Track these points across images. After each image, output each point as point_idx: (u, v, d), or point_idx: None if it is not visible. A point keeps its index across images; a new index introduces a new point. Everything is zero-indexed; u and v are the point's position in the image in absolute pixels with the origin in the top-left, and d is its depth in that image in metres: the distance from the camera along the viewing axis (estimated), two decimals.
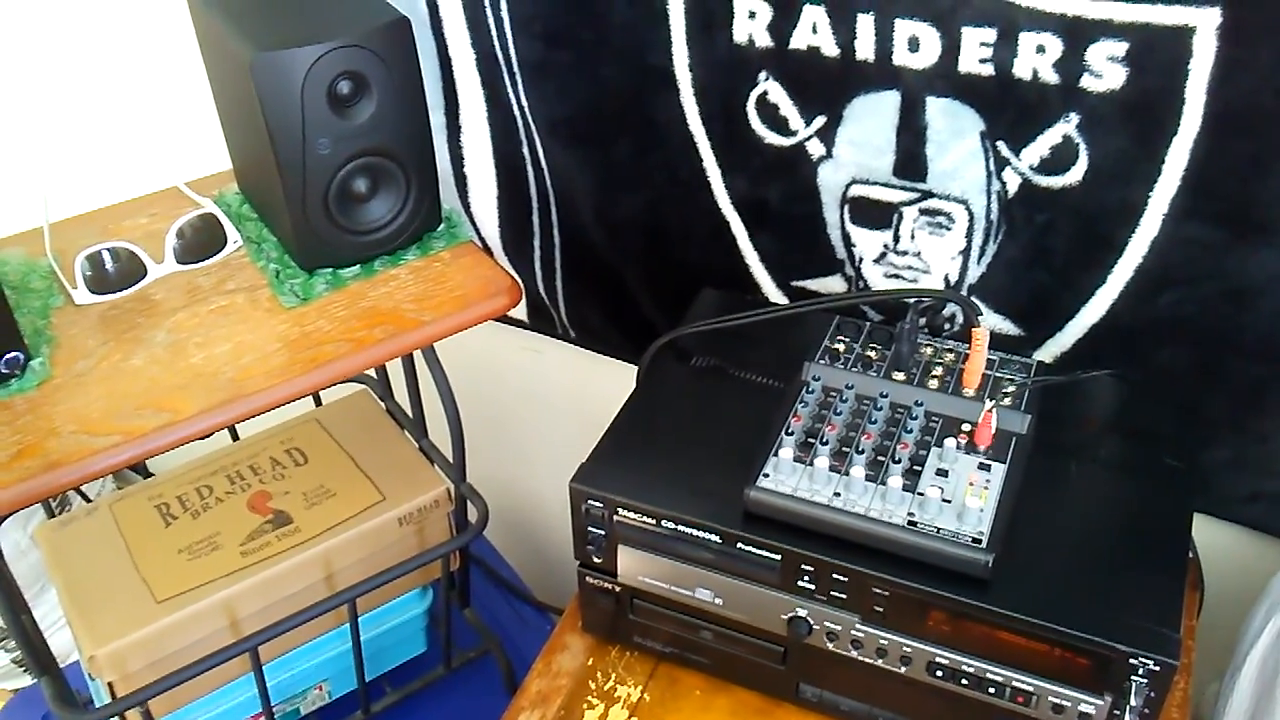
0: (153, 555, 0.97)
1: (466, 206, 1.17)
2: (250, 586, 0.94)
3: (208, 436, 0.80)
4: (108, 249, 0.87)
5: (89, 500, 1.12)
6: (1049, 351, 0.94)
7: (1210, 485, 0.92)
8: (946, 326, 0.97)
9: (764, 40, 0.90)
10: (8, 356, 0.78)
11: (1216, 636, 0.93)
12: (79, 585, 0.95)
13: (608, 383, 1.17)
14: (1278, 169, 0.76)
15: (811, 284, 1.02)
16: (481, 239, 1.19)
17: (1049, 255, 0.89)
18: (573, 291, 1.18)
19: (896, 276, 0.97)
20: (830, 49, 0.87)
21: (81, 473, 0.74)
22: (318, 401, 1.15)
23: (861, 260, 0.97)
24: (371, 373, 1.15)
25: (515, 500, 1.45)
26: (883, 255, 0.96)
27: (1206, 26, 0.73)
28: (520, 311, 1.26)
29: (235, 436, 1.13)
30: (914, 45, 0.84)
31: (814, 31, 0.87)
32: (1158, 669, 0.67)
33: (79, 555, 0.97)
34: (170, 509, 1.02)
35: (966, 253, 0.92)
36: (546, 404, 1.37)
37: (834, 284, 1.01)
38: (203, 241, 0.91)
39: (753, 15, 0.89)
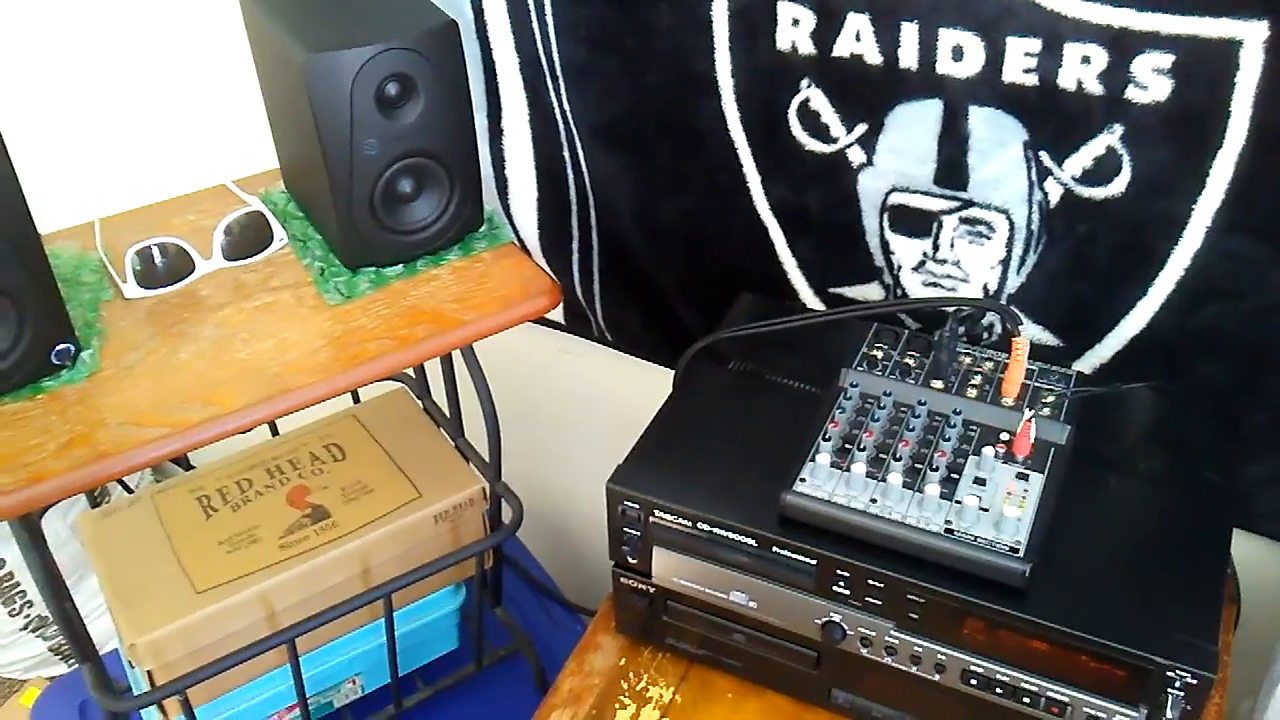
0: (193, 546, 0.98)
1: (506, 208, 1.18)
2: (288, 579, 0.96)
3: (250, 430, 0.81)
4: (157, 244, 0.89)
5: (130, 491, 1.13)
6: (1088, 363, 0.93)
7: (1249, 501, 0.91)
8: (985, 335, 0.97)
9: (807, 47, 0.90)
10: (59, 348, 0.80)
11: (1252, 652, 0.93)
12: (120, 574, 0.96)
13: (643, 386, 1.18)
14: None
15: (849, 291, 1.03)
16: (520, 241, 1.20)
17: (1090, 266, 0.89)
18: (610, 294, 1.19)
19: (935, 285, 0.97)
20: (873, 57, 0.87)
21: (129, 463, 0.75)
22: (355, 399, 1.17)
23: (900, 268, 0.97)
24: (410, 371, 1.16)
25: (548, 501, 1.46)
26: (921, 263, 0.96)
27: (1254, 40, 0.73)
28: (557, 314, 1.27)
29: (275, 431, 1.14)
30: (958, 54, 0.84)
31: (857, 39, 0.87)
32: (1195, 682, 0.67)
33: (121, 545, 0.99)
34: (210, 501, 1.03)
35: (1006, 262, 0.92)
36: (581, 406, 1.37)
37: (872, 291, 1.01)
38: (249, 239, 0.93)
39: (796, 22, 0.89)
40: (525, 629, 1.18)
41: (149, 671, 0.91)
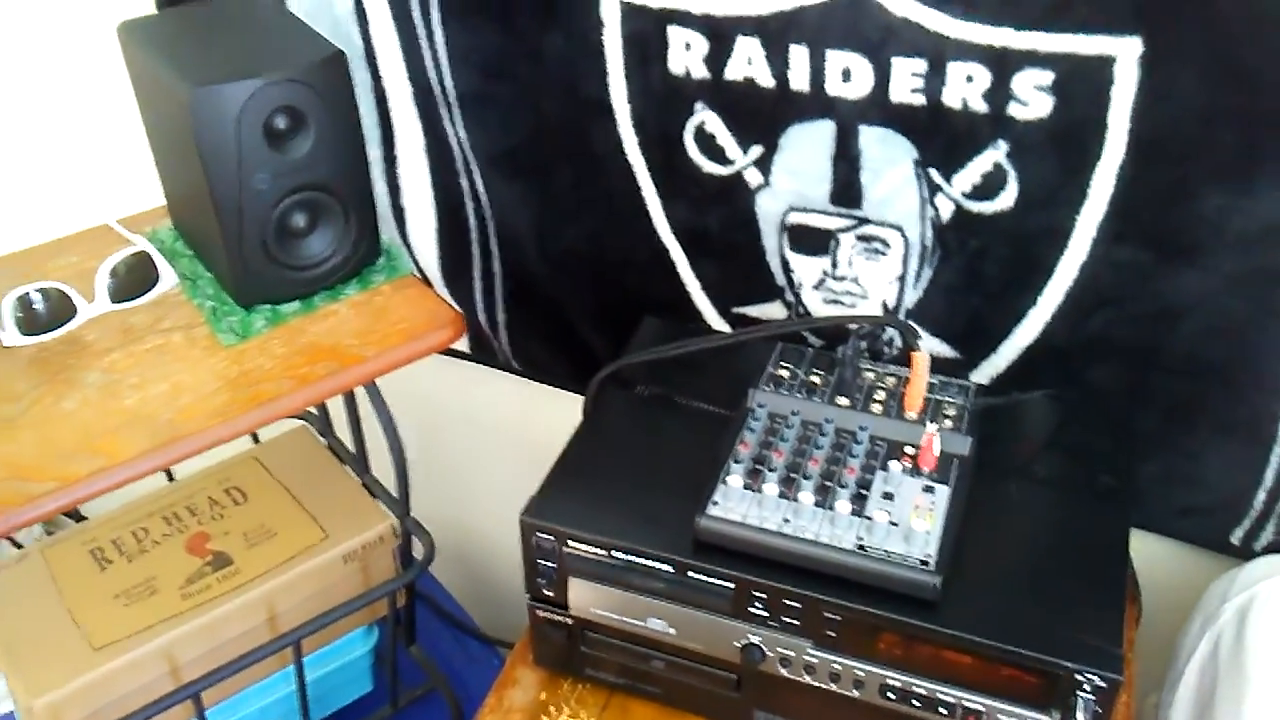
0: (88, 601, 0.94)
1: (404, 238, 1.16)
2: (191, 631, 0.92)
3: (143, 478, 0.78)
4: (37, 289, 0.85)
5: (18, 546, 1.08)
6: (984, 373, 0.96)
7: (1143, 500, 0.94)
8: (885, 350, 0.98)
9: (700, 72, 0.91)
10: None
11: (1153, 648, 0.96)
12: (12, 634, 0.92)
13: (551, 413, 1.17)
14: (1200, 193, 0.79)
15: (752, 310, 1.03)
16: (420, 270, 1.18)
17: (982, 279, 0.91)
18: (514, 322, 1.18)
19: (835, 302, 0.98)
20: (765, 80, 0.88)
21: (14, 521, 0.71)
22: (255, 439, 1.13)
23: (801, 286, 0.98)
24: (311, 408, 1.13)
25: (459, 533, 1.44)
26: (821, 281, 0.97)
27: (1128, 56, 0.76)
28: (461, 343, 1.25)
29: (170, 477, 1.11)
30: (847, 76, 0.85)
31: (749, 63, 0.88)
32: (1104, 685, 0.69)
33: (11, 603, 0.94)
34: (105, 553, 0.99)
35: (903, 278, 0.94)
36: (489, 435, 1.36)
37: (774, 310, 1.02)
38: (136, 279, 0.89)
39: (689, 47, 0.90)
40: (441, 666, 1.16)
41: None
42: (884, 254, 0.93)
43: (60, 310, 0.86)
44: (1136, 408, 0.90)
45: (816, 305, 0.99)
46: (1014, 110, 0.81)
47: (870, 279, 0.95)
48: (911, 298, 0.95)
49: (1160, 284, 0.84)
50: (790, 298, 1.00)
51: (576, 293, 1.11)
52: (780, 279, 0.99)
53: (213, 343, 0.85)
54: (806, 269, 0.97)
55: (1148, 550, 0.97)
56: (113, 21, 0.88)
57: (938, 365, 0.94)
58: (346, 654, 1.06)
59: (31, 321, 0.85)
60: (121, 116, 0.95)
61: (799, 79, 0.87)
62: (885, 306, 0.96)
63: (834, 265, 0.96)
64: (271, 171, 0.81)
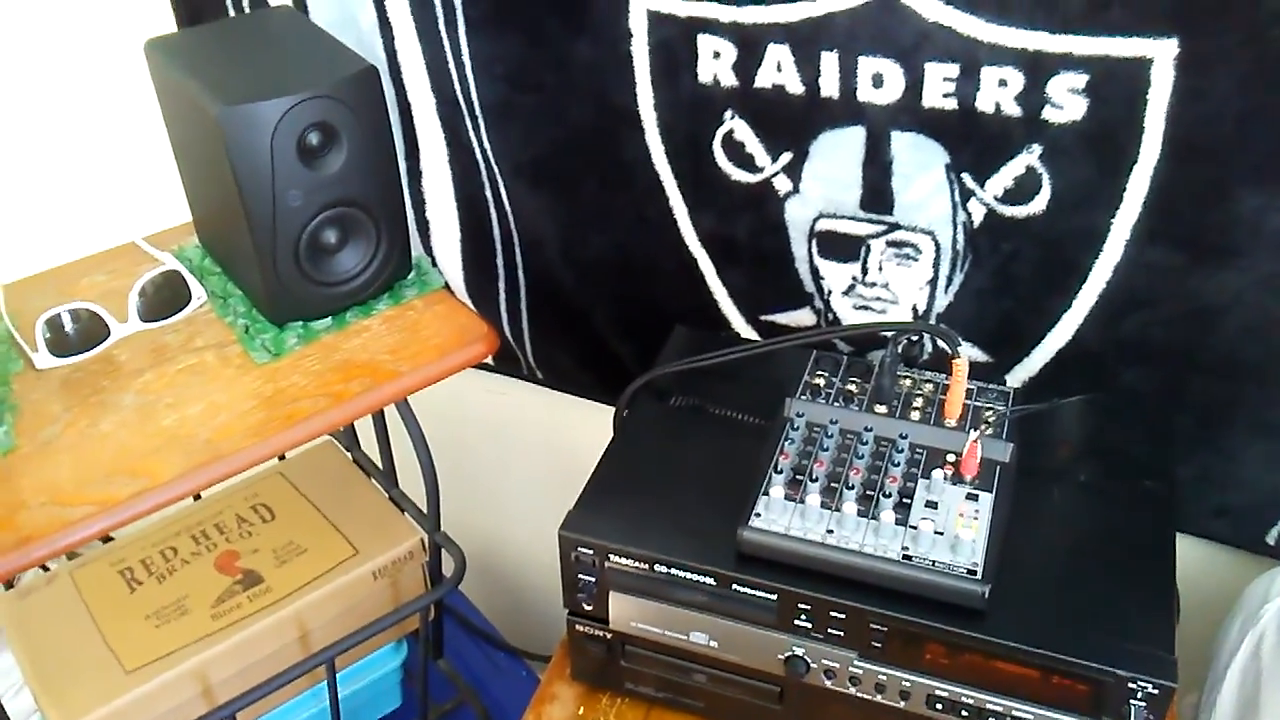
0: (119, 623, 0.94)
1: (429, 250, 1.16)
2: (223, 651, 0.92)
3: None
4: (68, 310, 0.85)
5: (46, 569, 1.07)
6: (1017, 377, 0.95)
7: (1180, 501, 0.94)
8: (917, 356, 0.98)
9: (729, 80, 0.90)
10: None
11: (1191, 648, 0.95)
12: (43, 658, 0.91)
13: (575, 423, 1.17)
14: (1236, 194, 0.79)
15: (781, 318, 1.03)
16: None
17: (1015, 283, 0.90)
18: (539, 332, 1.17)
19: (865, 308, 0.98)
20: (795, 87, 0.88)
21: (55, 545, 0.71)
22: (280, 455, 1.13)
23: (830, 293, 0.98)
24: None
25: (480, 545, 1.43)
26: (851, 287, 0.97)
27: (1164, 57, 0.76)
28: None
29: (197, 495, 1.10)
30: (878, 81, 0.85)
31: (779, 70, 0.88)
32: (1156, 692, 0.68)
33: (41, 627, 0.94)
34: (134, 574, 0.99)
35: (934, 282, 0.93)
36: (510, 445, 1.35)
37: (804, 317, 1.01)
38: (166, 299, 0.89)
39: (717, 55, 0.90)
40: (469, 679, 1.16)
41: None
42: (915, 259, 0.92)
43: (92, 331, 0.85)
44: (1172, 409, 0.90)
45: (846, 312, 0.98)
46: (1048, 113, 0.81)
47: (901, 285, 0.94)
48: (942, 303, 0.94)
49: (1195, 285, 0.84)
50: (819, 304, 1.00)
51: (601, 303, 1.11)
52: (809, 286, 0.99)
53: (246, 361, 0.85)
54: (836, 275, 0.97)
55: (1183, 551, 0.96)
56: (131, 39, 0.88)
57: (971, 370, 0.94)
58: (376, 670, 1.06)
59: (63, 343, 0.84)
60: (138, 133, 0.95)
61: (829, 85, 0.87)
62: (915, 312, 0.95)
63: (864, 271, 0.95)
64: (305, 188, 0.80)
